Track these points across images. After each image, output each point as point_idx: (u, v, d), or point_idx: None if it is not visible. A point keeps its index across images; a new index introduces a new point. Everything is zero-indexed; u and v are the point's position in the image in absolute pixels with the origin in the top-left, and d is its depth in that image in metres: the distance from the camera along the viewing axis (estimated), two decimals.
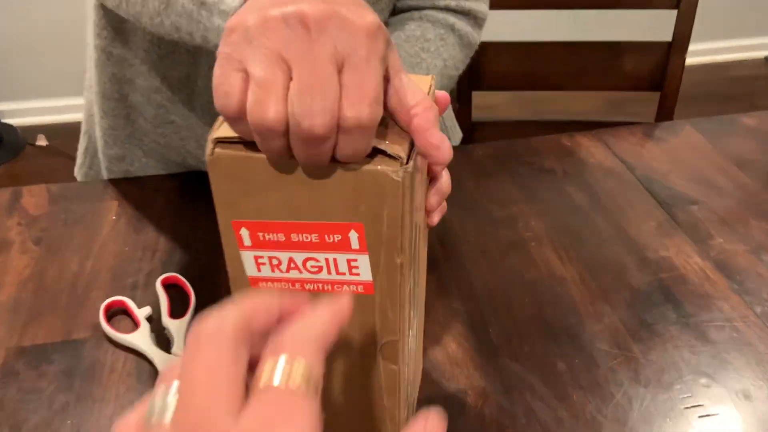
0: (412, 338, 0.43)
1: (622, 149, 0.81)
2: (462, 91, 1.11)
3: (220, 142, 0.33)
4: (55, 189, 0.73)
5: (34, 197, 0.71)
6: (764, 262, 0.64)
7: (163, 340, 0.55)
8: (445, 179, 0.41)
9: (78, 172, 0.84)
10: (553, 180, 0.76)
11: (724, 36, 2.58)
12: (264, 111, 0.29)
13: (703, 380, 0.52)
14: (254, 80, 0.30)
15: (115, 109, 0.71)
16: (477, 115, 1.15)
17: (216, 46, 0.38)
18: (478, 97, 1.15)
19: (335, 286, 0.37)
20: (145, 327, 0.55)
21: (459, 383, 0.52)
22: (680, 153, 0.80)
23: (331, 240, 0.35)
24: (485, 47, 1.07)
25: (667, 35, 1.04)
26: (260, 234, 0.35)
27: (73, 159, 0.84)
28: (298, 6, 0.30)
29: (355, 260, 0.35)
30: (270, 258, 0.36)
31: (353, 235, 0.34)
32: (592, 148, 0.81)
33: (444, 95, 0.39)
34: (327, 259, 0.35)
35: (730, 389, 0.52)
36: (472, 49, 0.73)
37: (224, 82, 0.30)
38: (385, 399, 0.41)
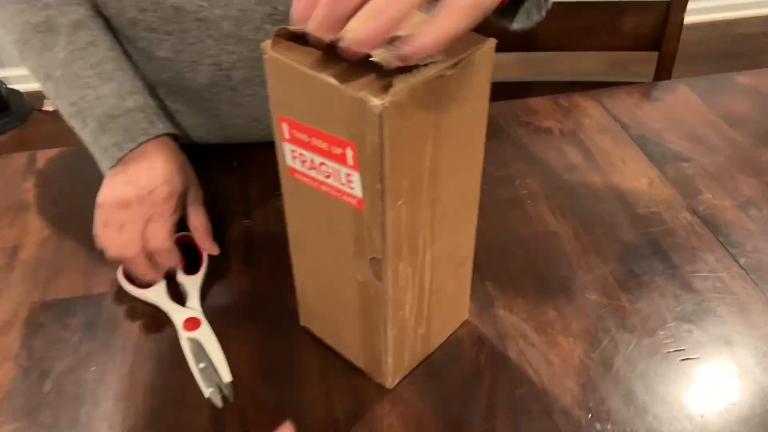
0: (424, 266, 0.46)
1: (618, 109, 0.83)
2: None
3: (279, 37, 0.38)
4: (69, 153, 0.76)
5: (49, 161, 0.74)
6: (750, 217, 0.67)
7: (178, 294, 0.59)
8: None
9: None
10: (550, 139, 0.78)
11: None
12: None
13: (686, 326, 0.56)
14: None
15: None
16: None
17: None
18: None
19: (340, 195, 0.41)
20: (161, 283, 0.59)
21: (456, 332, 0.56)
22: (674, 112, 0.82)
23: (335, 152, 0.39)
24: None
25: None
26: (293, 131, 0.41)
27: None
28: None
29: (350, 175, 0.39)
30: (299, 154, 0.42)
31: (348, 152, 0.38)
32: (589, 109, 0.83)
33: None
34: (333, 168, 0.40)
35: (711, 335, 0.55)
36: None
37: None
38: (373, 310, 0.46)
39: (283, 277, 0.60)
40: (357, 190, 0.40)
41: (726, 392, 0.51)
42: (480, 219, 0.67)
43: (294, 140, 0.41)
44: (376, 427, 0.49)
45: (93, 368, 0.52)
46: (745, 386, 0.51)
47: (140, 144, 0.58)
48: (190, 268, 0.60)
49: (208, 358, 0.52)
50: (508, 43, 1.14)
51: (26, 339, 0.55)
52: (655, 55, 1.09)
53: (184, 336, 0.54)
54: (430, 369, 0.53)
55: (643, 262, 0.62)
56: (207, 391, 0.50)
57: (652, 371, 0.52)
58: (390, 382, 0.51)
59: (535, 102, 0.84)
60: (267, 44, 0.39)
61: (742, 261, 0.62)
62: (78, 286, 0.59)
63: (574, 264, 0.62)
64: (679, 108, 0.83)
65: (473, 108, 0.42)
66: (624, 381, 0.52)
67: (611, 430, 0.48)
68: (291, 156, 0.42)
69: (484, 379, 0.52)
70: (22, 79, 2.29)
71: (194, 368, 0.51)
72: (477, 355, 0.54)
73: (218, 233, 0.64)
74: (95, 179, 0.72)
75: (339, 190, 0.41)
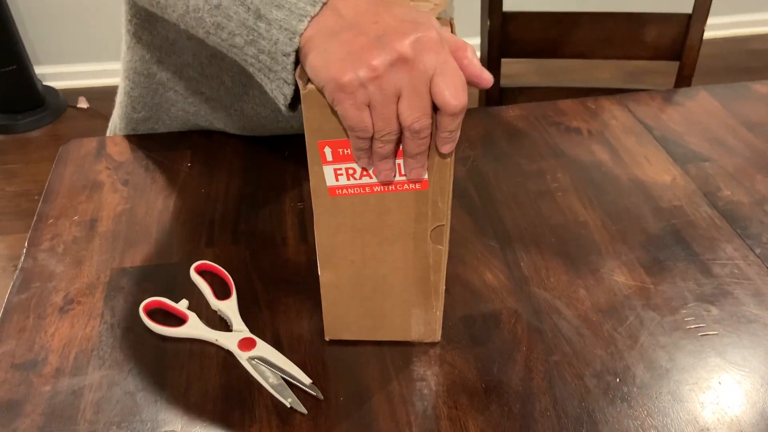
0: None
1: (642, 112, 0.88)
2: (492, 59, 1.19)
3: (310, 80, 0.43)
4: (134, 139, 0.82)
5: (117, 146, 0.81)
6: (766, 212, 0.72)
7: (218, 322, 0.59)
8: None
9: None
10: (578, 138, 0.84)
11: (746, 9, 2.61)
12: (384, 129, 0.43)
13: (706, 306, 0.61)
14: (377, 114, 0.42)
15: (144, 83, 0.78)
16: (504, 82, 1.22)
17: (260, 52, 0.47)
18: (505, 66, 1.22)
19: (397, 186, 0.47)
20: (191, 316, 0.58)
21: (494, 305, 0.61)
22: (695, 116, 0.88)
23: (399, 147, 0.44)
24: (515, 16, 1.14)
25: (687, 7, 1.10)
26: (340, 150, 0.45)
27: None
28: (394, 48, 0.40)
29: None
30: (347, 169, 0.46)
31: None
32: (615, 111, 0.89)
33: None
34: (396, 164, 0.45)
35: (729, 314, 0.60)
36: None
37: (360, 120, 0.42)
38: (432, 275, 0.53)
39: None
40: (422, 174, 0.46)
41: (741, 363, 0.56)
42: (514, 207, 0.73)
43: (340, 159, 0.45)
44: (427, 386, 0.54)
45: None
46: (758, 357, 0.57)
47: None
48: (221, 295, 0.61)
49: (279, 368, 0.54)
50: (534, 49, 1.20)
51: (108, 299, 0.61)
52: (670, 67, 1.15)
53: (243, 357, 0.55)
54: (472, 337, 0.58)
55: (667, 250, 0.67)
56: (287, 402, 0.52)
57: (674, 344, 0.58)
58: (439, 335, 0.58)
59: (564, 104, 0.90)
60: (301, 80, 0.43)
61: (757, 251, 0.67)
62: (152, 256, 0.66)
63: (602, 250, 0.67)
64: (700, 112, 0.88)
65: None
66: (648, 351, 0.57)
67: (637, 392, 0.54)
68: (334, 176, 0.46)
69: (521, 346, 0.58)
70: (58, 77, 2.37)
71: (266, 385, 0.53)
72: (514, 326, 0.60)
73: (275, 215, 0.71)
74: (159, 164, 0.78)
75: (399, 183, 0.46)
